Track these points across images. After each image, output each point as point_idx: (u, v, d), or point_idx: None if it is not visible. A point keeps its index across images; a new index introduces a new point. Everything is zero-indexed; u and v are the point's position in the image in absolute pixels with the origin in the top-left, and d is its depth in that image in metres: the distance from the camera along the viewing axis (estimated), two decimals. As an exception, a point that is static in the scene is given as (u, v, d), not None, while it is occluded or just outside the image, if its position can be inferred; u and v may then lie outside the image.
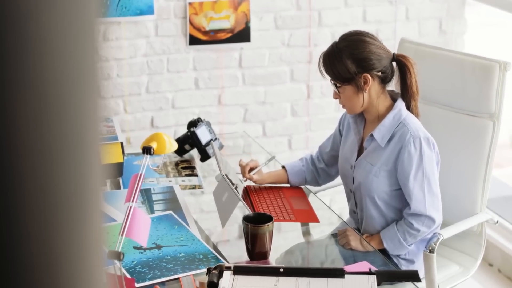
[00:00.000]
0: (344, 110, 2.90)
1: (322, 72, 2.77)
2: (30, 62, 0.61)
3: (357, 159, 2.84)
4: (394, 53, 2.77)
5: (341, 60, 2.70)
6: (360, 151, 2.85)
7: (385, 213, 2.80)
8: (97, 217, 0.67)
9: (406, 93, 2.77)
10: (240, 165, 2.97)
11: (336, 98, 2.81)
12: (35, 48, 0.61)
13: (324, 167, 3.05)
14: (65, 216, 0.65)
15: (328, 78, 2.77)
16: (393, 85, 2.81)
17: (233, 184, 2.69)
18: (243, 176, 2.94)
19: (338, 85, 2.74)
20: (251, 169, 2.95)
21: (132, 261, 2.41)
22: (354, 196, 2.88)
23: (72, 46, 0.63)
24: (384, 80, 2.75)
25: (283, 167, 3.06)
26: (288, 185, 3.05)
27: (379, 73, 2.72)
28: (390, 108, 2.77)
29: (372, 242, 2.75)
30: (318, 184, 3.10)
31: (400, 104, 2.76)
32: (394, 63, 2.76)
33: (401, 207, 2.79)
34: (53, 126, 0.63)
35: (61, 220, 0.65)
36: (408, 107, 2.78)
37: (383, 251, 2.76)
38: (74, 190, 0.65)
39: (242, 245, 2.52)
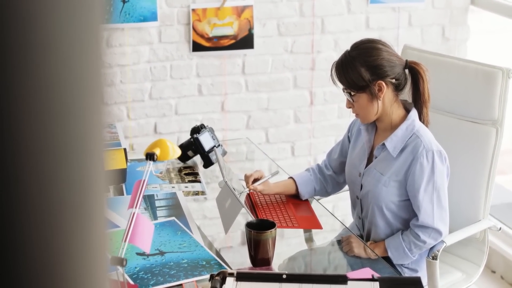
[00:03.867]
0: (353, 117, 2.89)
1: (335, 81, 2.77)
2: (35, 69, 0.61)
3: (366, 166, 2.84)
4: (406, 60, 2.77)
5: (354, 68, 2.70)
6: (370, 159, 2.85)
7: (391, 223, 2.79)
8: (101, 223, 0.68)
9: (419, 100, 2.77)
10: (245, 175, 2.97)
11: (349, 107, 2.80)
12: (40, 55, 0.61)
13: (332, 174, 3.04)
14: (69, 222, 0.65)
15: (341, 86, 2.77)
16: (406, 93, 2.80)
17: (235, 191, 2.70)
18: (247, 187, 2.93)
19: (352, 93, 2.74)
20: (255, 180, 2.94)
21: (135, 267, 2.41)
22: (360, 202, 2.88)
23: (76, 53, 0.64)
24: (398, 87, 2.74)
25: (290, 177, 3.04)
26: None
27: (393, 80, 2.72)
28: (403, 118, 2.77)
29: (376, 250, 2.75)
30: (327, 194, 3.07)
31: (414, 114, 2.75)
32: (406, 70, 2.76)
33: (407, 218, 2.78)
34: (57, 132, 0.63)
35: (65, 226, 0.65)
36: (420, 115, 2.77)
37: (386, 258, 2.76)
38: (78, 196, 0.65)
39: (245, 251, 2.52)
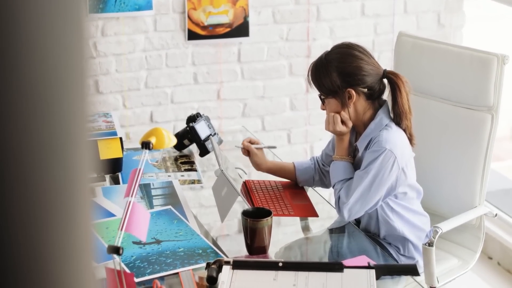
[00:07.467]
0: None
1: (310, 82, 2.77)
2: (17, 61, 0.61)
3: None
4: (384, 70, 2.73)
5: (327, 73, 2.68)
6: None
7: (375, 212, 2.79)
8: (86, 214, 0.67)
9: (397, 111, 2.71)
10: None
11: (323, 109, 2.80)
12: (21, 47, 0.61)
13: (329, 169, 3.03)
14: (53, 213, 0.65)
15: (315, 89, 2.76)
16: (387, 98, 2.77)
17: (232, 179, 2.70)
18: (242, 144, 2.99)
19: (323, 97, 2.74)
20: (251, 143, 2.98)
21: (132, 256, 2.42)
22: None
23: (59, 44, 0.63)
24: (371, 97, 2.71)
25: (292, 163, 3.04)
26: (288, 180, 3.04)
27: (365, 90, 2.69)
28: (372, 117, 2.74)
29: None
30: (326, 186, 3.04)
31: (382, 112, 2.72)
32: (385, 80, 2.74)
33: (392, 206, 2.78)
34: (39, 123, 0.63)
35: (49, 218, 0.65)
36: (399, 124, 2.71)
37: (383, 246, 2.77)
38: (62, 187, 0.65)
39: (241, 239, 2.53)
